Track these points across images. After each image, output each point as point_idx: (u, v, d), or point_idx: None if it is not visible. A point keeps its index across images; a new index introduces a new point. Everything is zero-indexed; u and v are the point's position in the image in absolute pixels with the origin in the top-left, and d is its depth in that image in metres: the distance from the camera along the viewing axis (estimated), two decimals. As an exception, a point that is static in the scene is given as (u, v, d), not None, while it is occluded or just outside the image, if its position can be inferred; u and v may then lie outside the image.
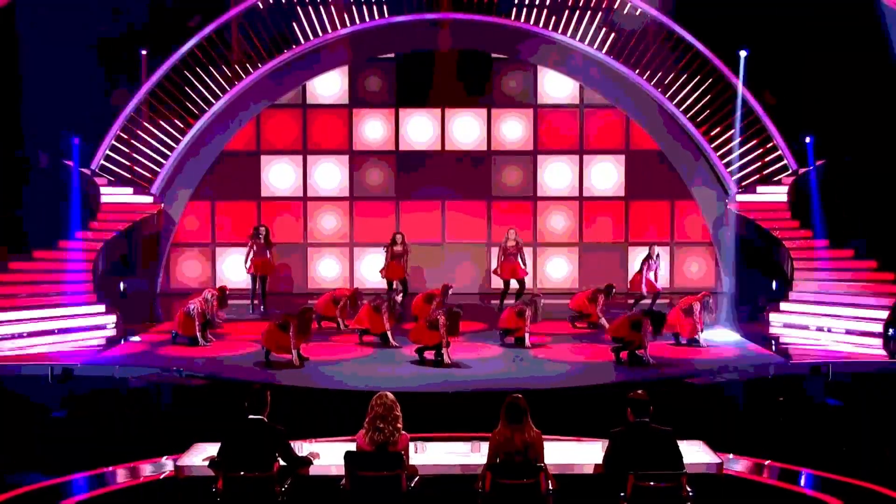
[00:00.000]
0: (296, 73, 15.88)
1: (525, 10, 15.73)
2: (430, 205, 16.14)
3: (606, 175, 16.27)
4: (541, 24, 15.73)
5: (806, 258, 13.96)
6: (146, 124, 15.54)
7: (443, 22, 15.62)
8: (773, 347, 11.49)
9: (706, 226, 16.17)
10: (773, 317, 13.18)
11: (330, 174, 16.28)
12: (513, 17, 15.70)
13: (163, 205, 15.51)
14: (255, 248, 13.80)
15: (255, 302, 13.95)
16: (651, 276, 13.41)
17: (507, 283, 13.70)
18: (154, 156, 15.62)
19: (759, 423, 8.68)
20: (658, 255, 13.59)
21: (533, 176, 16.25)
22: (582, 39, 15.72)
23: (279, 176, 16.23)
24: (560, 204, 16.30)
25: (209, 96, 15.65)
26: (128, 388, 9.75)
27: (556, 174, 16.29)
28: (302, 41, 15.66)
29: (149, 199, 15.38)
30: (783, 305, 13.34)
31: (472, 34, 15.72)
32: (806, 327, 12.71)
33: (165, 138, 15.60)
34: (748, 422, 8.72)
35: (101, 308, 12.89)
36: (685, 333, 11.25)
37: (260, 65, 15.59)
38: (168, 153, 15.60)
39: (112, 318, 12.79)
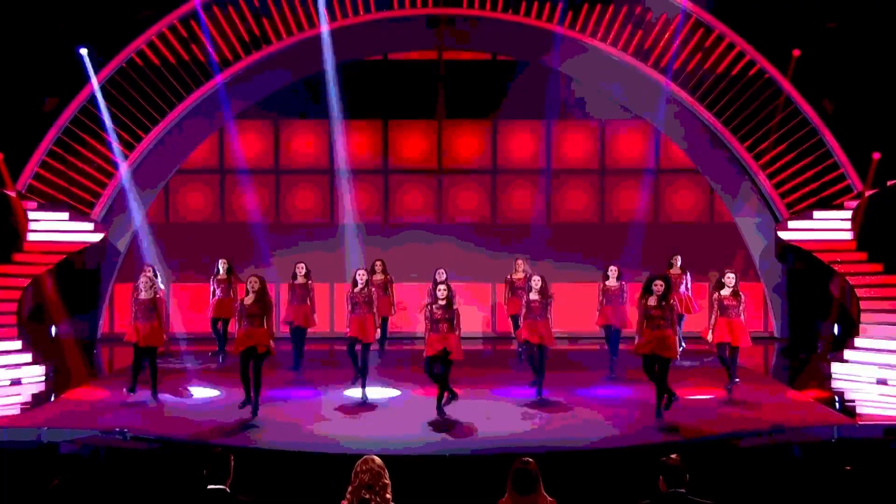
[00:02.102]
0: (266, 78, 16.05)
1: (535, 6, 15.91)
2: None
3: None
4: (554, 22, 15.88)
5: (875, 297, 13.97)
6: (86, 136, 15.60)
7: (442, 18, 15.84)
8: (837, 405, 11.48)
9: (752, 257, 16.22)
10: (835, 367, 13.15)
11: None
12: (521, 14, 15.93)
13: (106, 233, 15.52)
14: (215, 286, 13.57)
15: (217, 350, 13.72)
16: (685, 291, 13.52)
17: (515, 319, 13.66)
18: (96, 174, 15.66)
19: (819, 497, 8.63)
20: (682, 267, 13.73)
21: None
22: (604, 39, 15.91)
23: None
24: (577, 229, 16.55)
25: (163, 104, 15.76)
26: (58, 454, 9.67)
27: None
28: (274, 41, 15.84)
29: (89, 226, 15.38)
30: (847, 354, 13.31)
31: (477, 35, 15.98)
32: (877, 381, 12.68)
33: (110, 154, 15.64)
34: (805, 494, 8.67)
35: (28, 358, 12.83)
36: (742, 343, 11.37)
37: (224, 68, 15.73)
38: (113, 171, 15.65)
39: (40, 370, 12.72)
